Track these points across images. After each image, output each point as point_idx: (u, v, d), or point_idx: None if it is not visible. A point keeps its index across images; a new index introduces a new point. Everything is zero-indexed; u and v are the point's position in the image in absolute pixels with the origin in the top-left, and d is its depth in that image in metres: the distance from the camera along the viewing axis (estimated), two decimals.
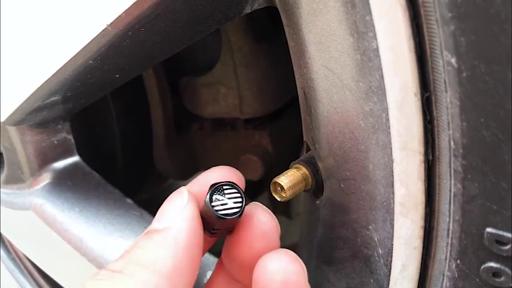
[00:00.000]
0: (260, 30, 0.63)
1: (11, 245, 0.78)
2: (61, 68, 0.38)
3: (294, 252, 0.46)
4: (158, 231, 0.29)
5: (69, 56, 0.37)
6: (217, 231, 0.32)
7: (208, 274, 0.43)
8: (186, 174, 0.77)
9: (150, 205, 0.54)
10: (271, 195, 0.35)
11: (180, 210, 0.30)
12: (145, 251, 0.28)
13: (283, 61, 0.65)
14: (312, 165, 0.36)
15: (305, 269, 0.29)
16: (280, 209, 0.86)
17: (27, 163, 0.51)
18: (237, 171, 0.34)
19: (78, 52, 0.36)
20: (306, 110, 0.35)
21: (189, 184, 0.34)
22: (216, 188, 0.31)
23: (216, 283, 0.35)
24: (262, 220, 0.31)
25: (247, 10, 0.36)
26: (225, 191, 0.31)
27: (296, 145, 0.73)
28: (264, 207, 0.33)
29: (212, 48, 0.65)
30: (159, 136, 0.72)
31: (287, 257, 0.29)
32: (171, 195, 0.32)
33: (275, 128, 0.70)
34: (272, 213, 0.32)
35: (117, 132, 0.67)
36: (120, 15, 0.32)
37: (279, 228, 0.32)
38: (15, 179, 0.54)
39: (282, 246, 0.33)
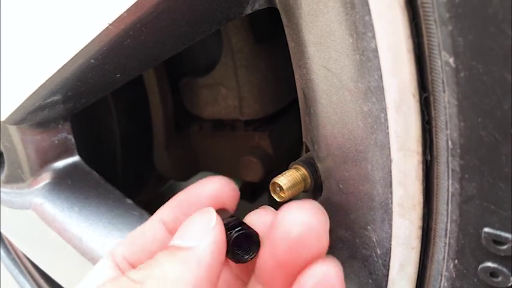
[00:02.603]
0: (261, 32, 0.63)
1: (11, 244, 0.79)
2: (62, 67, 0.38)
3: None
4: (182, 249, 0.29)
5: (70, 55, 0.37)
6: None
7: None
8: (186, 175, 0.77)
9: (150, 206, 0.54)
10: (271, 196, 0.35)
11: (207, 230, 0.29)
12: (168, 268, 0.28)
13: (283, 63, 0.65)
14: (311, 165, 0.36)
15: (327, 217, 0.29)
16: None
17: (28, 162, 0.52)
18: (231, 183, 0.34)
19: (80, 51, 0.36)
20: (305, 111, 0.35)
21: (183, 192, 0.34)
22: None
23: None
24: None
25: (248, 11, 0.36)
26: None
27: (296, 147, 0.73)
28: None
29: (213, 49, 0.66)
30: (159, 137, 0.72)
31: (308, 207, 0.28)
32: (197, 213, 0.31)
33: (275, 130, 0.70)
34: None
35: (117, 132, 0.67)
36: (121, 15, 0.32)
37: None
38: (15, 179, 0.54)
39: None
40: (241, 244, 0.31)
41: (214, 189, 0.33)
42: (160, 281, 0.27)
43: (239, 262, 0.31)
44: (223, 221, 0.31)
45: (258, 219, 0.33)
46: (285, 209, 0.29)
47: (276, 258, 0.29)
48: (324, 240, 0.28)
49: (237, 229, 0.31)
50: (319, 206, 0.29)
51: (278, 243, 0.28)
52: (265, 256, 0.30)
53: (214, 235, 0.29)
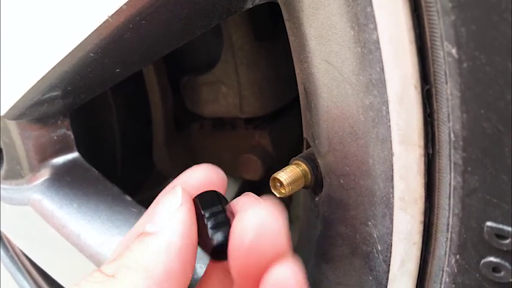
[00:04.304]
0: (261, 30, 0.63)
1: (9, 241, 0.78)
2: (61, 60, 0.38)
3: (294, 252, 0.45)
4: (150, 234, 0.29)
5: (69, 48, 0.36)
6: None
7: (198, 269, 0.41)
8: None
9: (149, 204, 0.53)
10: (271, 194, 0.35)
11: (173, 211, 0.29)
12: (137, 255, 0.28)
13: (284, 61, 0.65)
14: (311, 161, 0.36)
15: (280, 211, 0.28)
16: None
17: (27, 158, 0.51)
18: (219, 170, 0.33)
19: (79, 44, 0.36)
20: (306, 106, 0.35)
21: (172, 182, 0.33)
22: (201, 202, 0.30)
23: (211, 278, 0.34)
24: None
25: (249, 5, 0.36)
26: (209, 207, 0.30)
27: (296, 145, 0.73)
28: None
29: (213, 46, 0.66)
30: (159, 135, 0.72)
31: (261, 204, 0.28)
32: (164, 192, 0.31)
33: (275, 128, 0.70)
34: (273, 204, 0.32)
35: (117, 129, 0.67)
36: (121, 7, 0.32)
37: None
38: (14, 175, 0.54)
39: None
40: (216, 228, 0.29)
41: (201, 176, 0.33)
42: (132, 271, 0.27)
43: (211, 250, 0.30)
44: (198, 203, 0.30)
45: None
46: (240, 212, 0.28)
47: (238, 264, 0.28)
48: (281, 242, 0.27)
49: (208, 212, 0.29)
50: (276, 203, 0.28)
51: (235, 251, 0.28)
52: (231, 261, 0.29)
53: (180, 215, 0.29)
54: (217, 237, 0.29)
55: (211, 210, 0.30)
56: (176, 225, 0.28)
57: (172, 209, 0.29)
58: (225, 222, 0.29)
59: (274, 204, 0.28)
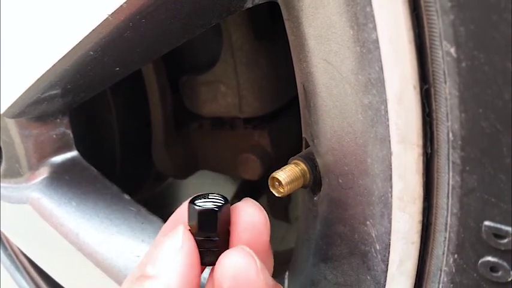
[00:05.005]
0: (261, 29, 0.63)
1: (8, 240, 0.78)
2: (61, 59, 0.38)
3: (292, 252, 0.45)
4: (150, 277, 0.28)
5: (69, 47, 0.37)
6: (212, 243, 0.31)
7: None
8: (185, 173, 0.77)
9: (149, 203, 0.54)
10: (270, 198, 0.35)
11: (174, 253, 0.29)
12: None
13: (283, 61, 0.65)
14: (310, 161, 0.36)
15: (257, 261, 0.29)
16: (279, 214, 0.86)
17: (25, 157, 0.51)
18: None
19: (79, 43, 0.36)
20: (305, 105, 0.35)
21: (180, 206, 0.34)
22: (197, 196, 0.31)
23: None
24: (250, 212, 0.31)
25: (249, 4, 0.36)
26: (207, 197, 0.31)
27: (295, 145, 0.73)
28: (253, 201, 0.33)
29: (213, 46, 0.66)
30: (158, 134, 0.72)
31: (241, 252, 0.29)
32: (169, 234, 0.30)
33: (274, 128, 0.70)
34: (261, 206, 0.32)
35: (116, 128, 0.67)
36: (121, 5, 0.32)
37: (268, 221, 0.32)
38: (13, 173, 0.54)
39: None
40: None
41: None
42: None
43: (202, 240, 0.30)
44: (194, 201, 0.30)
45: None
46: (221, 258, 0.29)
47: None
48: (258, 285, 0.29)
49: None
50: (248, 251, 0.29)
51: None
52: None
53: (180, 257, 0.28)
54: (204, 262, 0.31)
55: (206, 234, 0.31)
56: (176, 268, 0.28)
57: (173, 250, 0.29)
58: (214, 252, 0.30)
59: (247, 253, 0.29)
